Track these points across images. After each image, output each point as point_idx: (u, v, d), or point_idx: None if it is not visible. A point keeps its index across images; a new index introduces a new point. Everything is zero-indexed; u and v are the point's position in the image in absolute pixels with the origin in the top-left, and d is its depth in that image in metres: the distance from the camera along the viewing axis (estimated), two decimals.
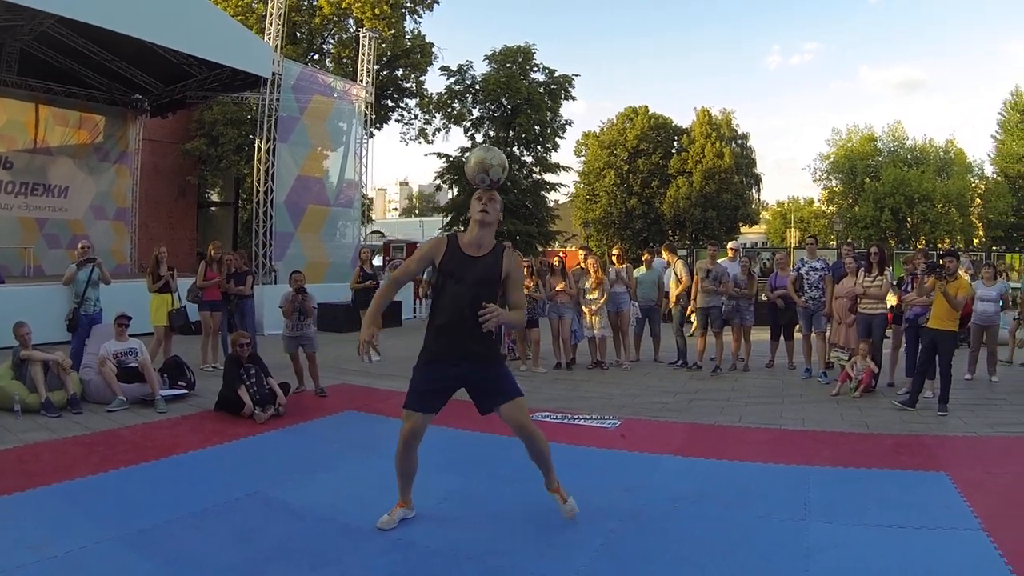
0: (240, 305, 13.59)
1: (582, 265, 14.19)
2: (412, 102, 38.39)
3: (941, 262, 10.06)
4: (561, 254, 15.26)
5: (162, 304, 12.79)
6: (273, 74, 20.69)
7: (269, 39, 21.15)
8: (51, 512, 5.86)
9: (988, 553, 5.08)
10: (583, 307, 13.68)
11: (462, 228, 41.99)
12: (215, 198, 35.38)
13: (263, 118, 21.04)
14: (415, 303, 24.27)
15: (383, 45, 32.15)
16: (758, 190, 60.73)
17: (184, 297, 13.21)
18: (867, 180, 53.17)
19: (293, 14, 30.70)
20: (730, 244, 15.83)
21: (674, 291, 13.95)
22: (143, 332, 11.85)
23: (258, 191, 21.19)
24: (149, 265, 13.19)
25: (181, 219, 30.98)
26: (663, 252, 15.09)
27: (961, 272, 10.44)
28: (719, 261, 13.96)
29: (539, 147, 42.81)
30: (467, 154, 5.03)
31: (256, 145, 21.71)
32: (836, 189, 57.49)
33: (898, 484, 6.71)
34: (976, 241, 53.02)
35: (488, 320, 5.11)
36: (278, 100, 21.03)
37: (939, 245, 46.77)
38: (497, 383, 5.47)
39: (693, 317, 13.83)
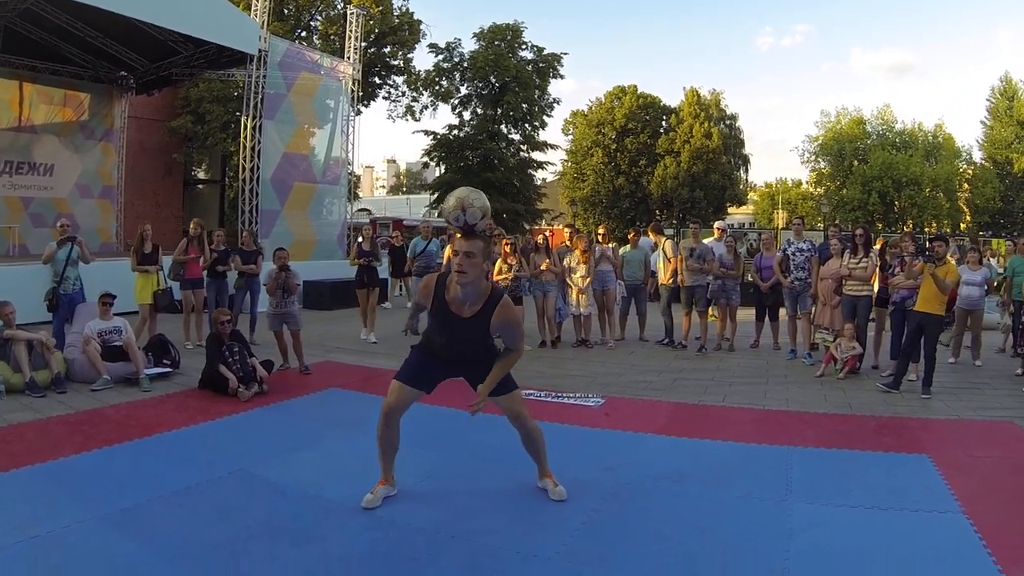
0: (249, 284, 13.72)
1: (567, 243, 14.20)
2: (400, 79, 38.29)
3: (930, 246, 10.10)
4: (547, 232, 15.22)
5: (147, 283, 12.70)
6: (260, 51, 20.56)
7: (256, 15, 21.02)
8: (35, 492, 5.86)
9: (967, 535, 5.13)
10: (568, 285, 13.71)
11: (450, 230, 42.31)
12: (202, 176, 35.28)
13: (249, 95, 20.92)
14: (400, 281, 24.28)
15: (371, 22, 32.02)
16: (746, 171, 61.02)
17: (168, 277, 13.15)
18: (855, 163, 53.52)
19: None
20: (717, 224, 15.87)
21: (664, 271, 13.93)
22: (128, 311, 11.82)
23: (244, 168, 21.09)
24: (134, 243, 13.12)
25: (167, 197, 30.89)
26: (649, 232, 15.09)
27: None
28: (705, 241, 13.99)
29: (527, 125, 42.74)
30: (449, 195, 4.77)
31: (242, 122, 21.56)
32: (824, 171, 57.79)
33: (880, 466, 6.77)
34: (963, 226, 53.40)
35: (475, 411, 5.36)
36: (264, 77, 20.91)
37: (926, 229, 47.09)
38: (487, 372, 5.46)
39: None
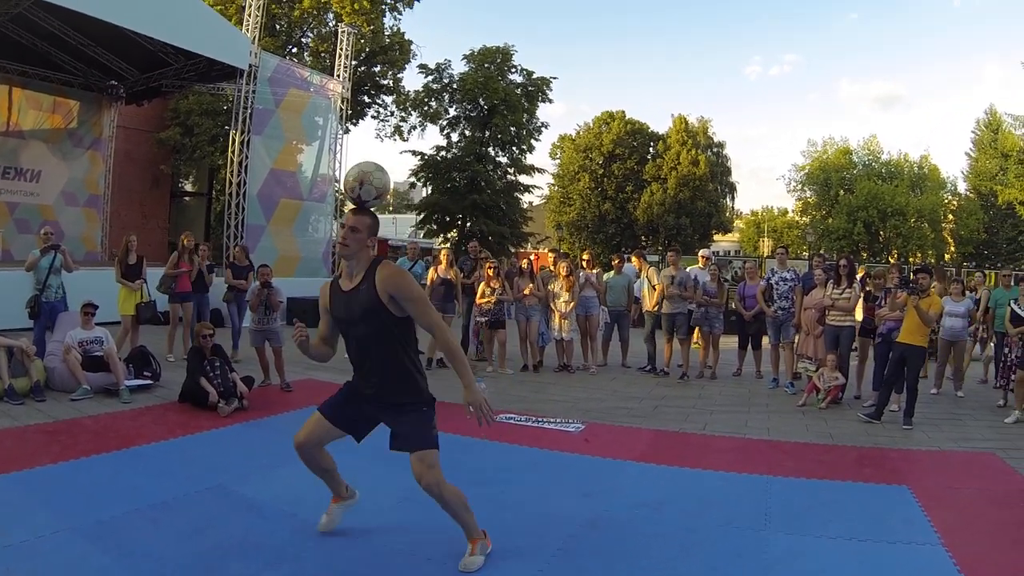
0: (238, 299, 13.74)
1: (551, 268, 14.23)
2: (389, 99, 38.48)
3: (914, 278, 10.16)
4: (532, 256, 15.25)
5: (131, 294, 12.68)
6: (250, 66, 20.61)
7: (247, 30, 21.05)
8: (9, 500, 5.83)
9: (946, 568, 5.14)
10: (551, 309, 13.72)
11: (434, 226, 41.93)
12: (188, 188, 35.23)
13: (238, 109, 20.94)
14: None
15: (362, 41, 32.08)
16: (732, 198, 61.30)
17: (153, 289, 13.12)
18: (841, 192, 53.73)
19: (273, 6, 30.66)
20: (701, 252, 15.90)
21: (649, 298, 13.94)
22: (110, 321, 11.77)
23: (231, 183, 21.08)
24: (119, 254, 13.10)
25: (154, 208, 30.81)
26: (633, 258, 15.13)
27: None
28: (689, 268, 14.04)
29: (514, 148, 42.95)
30: (353, 166, 4.54)
31: (231, 136, 21.58)
32: (810, 200, 57.99)
33: (860, 496, 6.78)
34: (947, 257, 53.63)
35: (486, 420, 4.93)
36: (254, 92, 20.95)
37: (911, 259, 47.25)
38: (410, 429, 4.94)
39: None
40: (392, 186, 5.06)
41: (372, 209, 4.92)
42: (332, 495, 5.51)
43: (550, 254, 15.98)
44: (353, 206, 4.92)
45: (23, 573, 4.57)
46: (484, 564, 5.00)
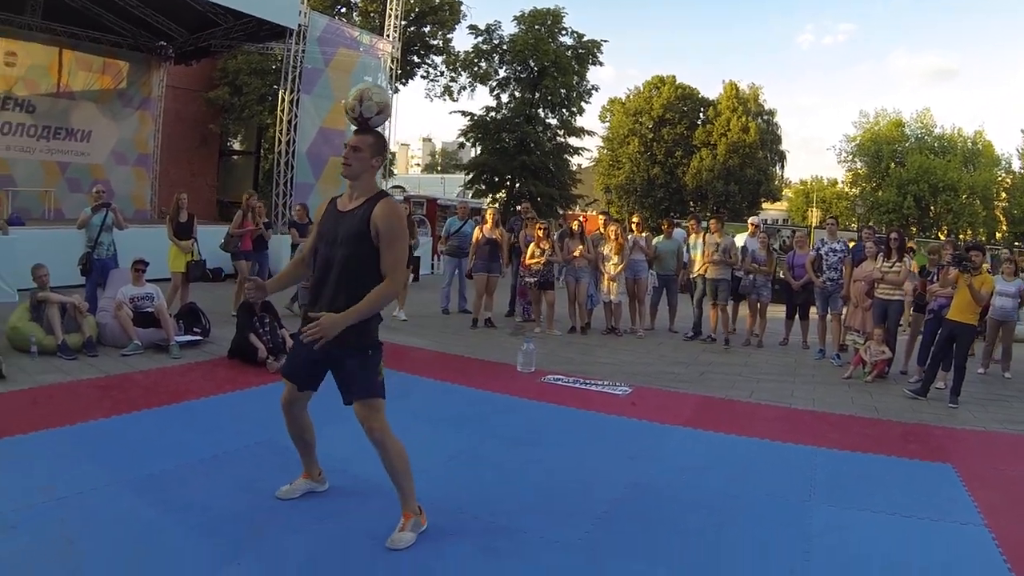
0: None
1: (602, 231, 14.14)
2: (438, 59, 38.32)
3: (967, 254, 9.97)
4: (581, 217, 15.16)
5: (180, 252, 12.78)
6: (299, 25, 20.59)
7: None
8: (62, 453, 5.90)
9: (988, 549, 5.09)
10: (601, 272, 13.65)
11: (482, 186, 41.84)
12: (237, 147, 35.32)
13: (287, 69, 20.96)
14: (433, 259, 24.29)
15: (411, 1, 31.95)
16: (782, 167, 60.50)
17: (204, 248, 13.20)
18: (892, 165, 52.73)
19: None
20: (751, 219, 15.71)
21: (700, 263, 13.83)
22: (161, 278, 11.84)
23: (280, 141, 21.18)
24: (170, 212, 13.19)
25: (202, 167, 30.91)
26: (688, 223, 14.99)
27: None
28: (739, 236, 13.90)
29: (564, 110, 42.73)
30: (353, 88, 4.38)
31: (280, 96, 21.65)
32: (860, 172, 57.01)
33: (904, 472, 6.73)
34: (999, 235, 52.56)
35: (311, 338, 4.39)
36: (303, 52, 20.94)
37: (961, 236, 46.47)
38: (353, 374, 4.67)
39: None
40: (391, 102, 4.89)
41: (376, 128, 4.79)
42: (303, 471, 5.34)
43: (600, 217, 15.82)
44: (356, 127, 4.76)
45: (77, 524, 4.59)
46: (414, 543, 4.68)
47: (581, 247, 13.39)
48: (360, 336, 4.62)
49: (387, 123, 24.47)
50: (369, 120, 4.67)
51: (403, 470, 4.77)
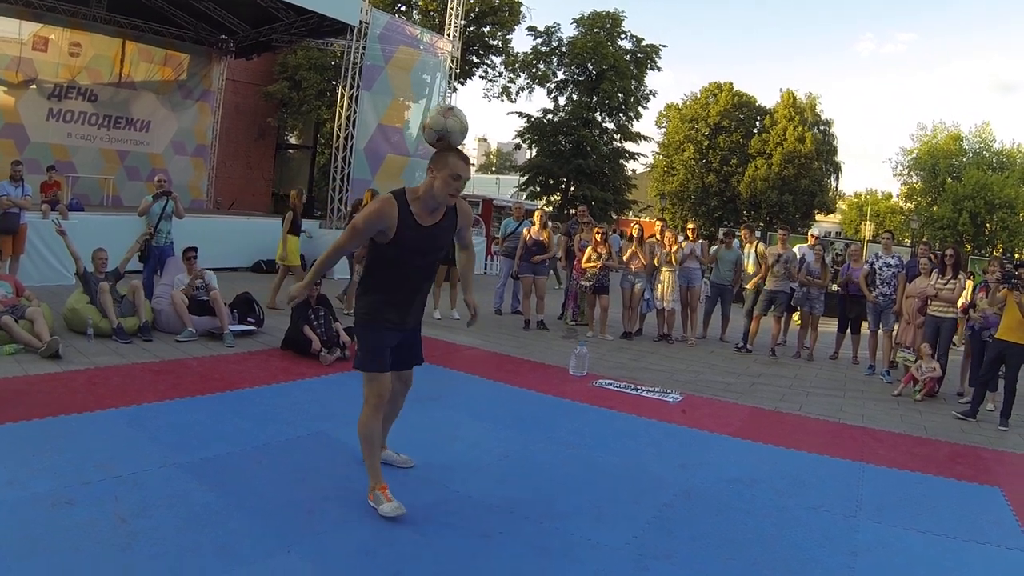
0: None
1: (657, 237, 14.08)
2: (497, 59, 38.32)
3: (1016, 272, 9.78)
4: (642, 223, 15.14)
5: (296, 244, 13.27)
6: (360, 22, 20.62)
7: None
8: (118, 434, 5.97)
9: None
10: (655, 278, 13.58)
11: (537, 188, 41.63)
12: (293, 141, 35.57)
13: (347, 65, 21.03)
14: (487, 259, 24.33)
15: (471, 1, 32.02)
16: (837, 178, 59.84)
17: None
18: (948, 180, 51.89)
19: None
20: (811, 231, 15.60)
21: (754, 273, 13.71)
22: (221, 267, 11.93)
23: (338, 137, 21.25)
24: (290, 207, 13.76)
25: (259, 160, 31.16)
26: (742, 232, 14.90)
27: None
28: (797, 247, 13.77)
29: (621, 115, 42.67)
30: (448, 114, 4.33)
31: (339, 92, 21.72)
32: (916, 186, 56.18)
33: (951, 493, 6.61)
34: None
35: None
36: (364, 48, 20.99)
37: (1016, 255, 45.67)
38: (420, 344, 5.37)
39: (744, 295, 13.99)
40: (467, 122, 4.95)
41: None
42: (381, 483, 5.08)
43: (657, 223, 15.75)
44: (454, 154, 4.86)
45: (132, 503, 4.63)
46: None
47: (640, 252, 13.30)
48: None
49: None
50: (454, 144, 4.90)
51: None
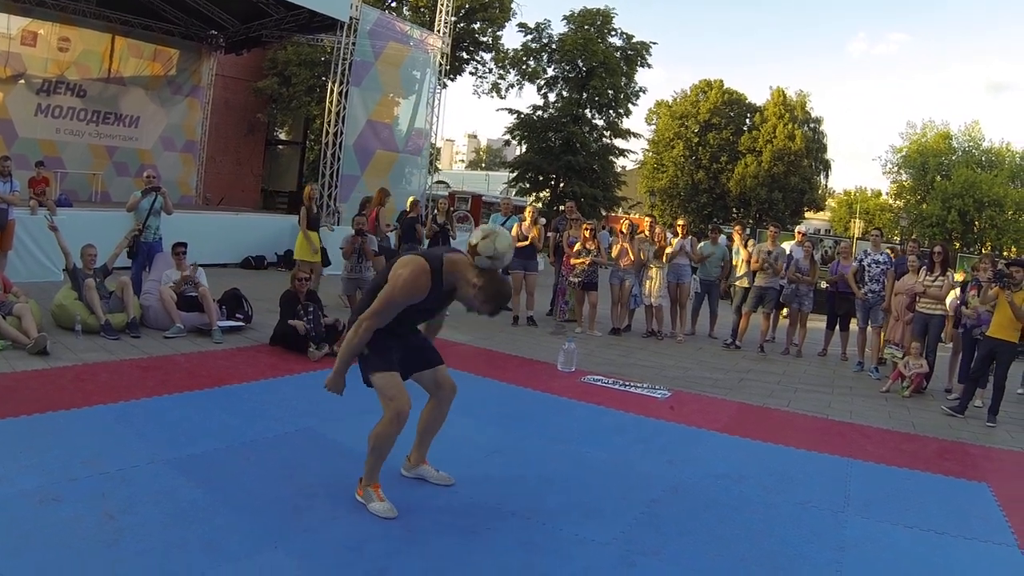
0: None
1: (646, 233, 14.09)
2: (487, 56, 38.19)
3: (1008, 271, 9.82)
4: (633, 220, 15.15)
5: (314, 240, 13.23)
6: (350, 18, 20.59)
7: None
8: (105, 430, 5.97)
9: (1020, 571, 5.07)
10: (644, 274, 13.60)
11: (526, 184, 41.61)
12: (283, 137, 35.47)
13: (337, 61, 21.00)
14: None
15: None
16: (826, 176, 59.88)
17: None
18: (938, 178, 51.96)
19: None
20: (798, 228, 15.61)
21: (741, 270, 13.77)
22: (210, 263, 11.92)
23: (328, 132, 21.22)
24: (305, 203, 13.65)
25: (248, 155, 31.08)
26: (736, 229, 14.90)
27: None
28: (785, 244, 13.81)
29: (611, 111, 42.56)
30: (494, 240, 4.33)
31: (329, 87, 21.71)
32: (905, 184, 56.21)
33: (939, 489, 6.67)
34: None
35: None
36: (354, 44, 20.96)
37: (1005, 253, 45.75)
38: (432, 345, 5.42)
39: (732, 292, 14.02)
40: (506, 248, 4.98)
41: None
42: (375, 481, 5.07)
43: (646, 219, 15.77)
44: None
45: (118, 500, 4.63)
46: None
47: (629, 248, 13.33)
48: None
49: (435, 119, 24.67)
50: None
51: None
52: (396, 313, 4.80)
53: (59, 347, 8.43)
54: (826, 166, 58.74)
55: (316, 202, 13.94)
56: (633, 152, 48.64)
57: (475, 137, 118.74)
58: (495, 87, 39.17)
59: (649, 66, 43.82)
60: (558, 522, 5.07)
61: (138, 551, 4.04)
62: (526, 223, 13.62)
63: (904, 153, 55.74)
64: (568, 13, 41.56)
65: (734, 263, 14.08)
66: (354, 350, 4.86)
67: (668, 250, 13.56)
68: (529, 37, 40.98)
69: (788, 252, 13.53)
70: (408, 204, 15.12)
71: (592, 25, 40.92)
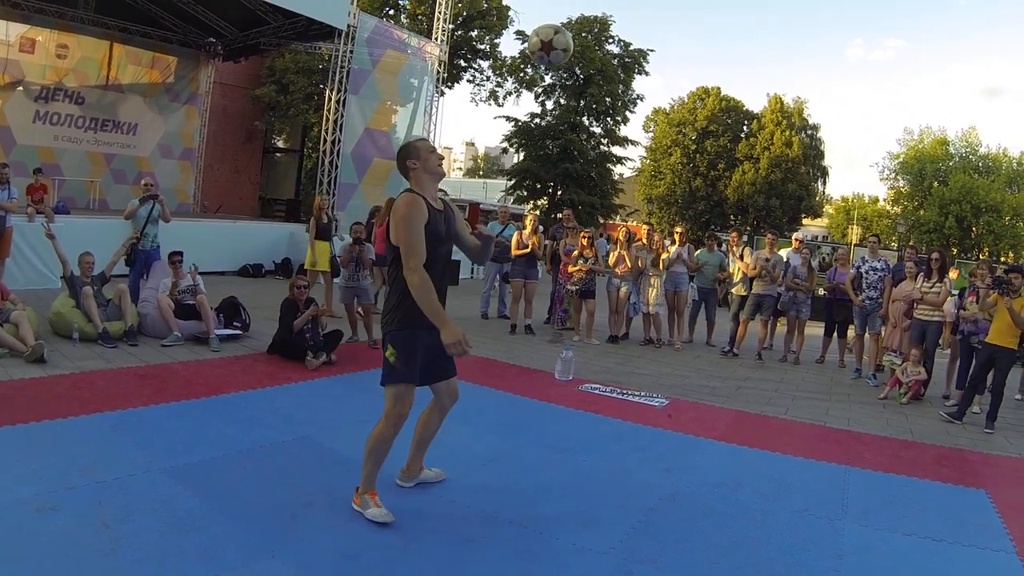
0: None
1: (643, 241, 14.10)
2: (485, 64, 38.27)
3: (1007, 277, 9.82)
4: (631, 228, 15.14)
5: (325, 250, 13.38)
6: (348, 26, 20.61)
7: None
8: (102, 438, 5.97)
9: None
10: (642, 282, 13.60)
11: (524, 192, 41.68)
12: (281, 144, 35.47)
13: (335, 69, 21.03)
14: (473, 264, 24.33)
15: (459, 5, 32.03)
16: (823, 183, 59.95)
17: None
18: (935, 184, 52.04)
19: None
20: (796, 235, 15.64)
21: (738, 278, 13.78)
22: (207, 271, 11.92)
23: (325, 140, 21.23)
24: (314, 213, 13.81)
25: (246, 163, 31.05)
26: (732, 235, 14.92)
27: None
28: (783, 251, 13.82)
29: (609, 119, 42.64)
30: (555, 33, 4.18)
31: (326, 95, 21.71)
32: (903, 190, 56.31)
33: (937, 496, 6.66)
34: None
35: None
36: (351, 52, 20.98)
37: (1002, 258, 45.80)
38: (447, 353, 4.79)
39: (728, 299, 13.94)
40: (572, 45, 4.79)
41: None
42: (374, 488, 5.05)
43: (643, 227, 15.79)
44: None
45: (115, 508, 4.64)
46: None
47: (627, 255, 13.33)
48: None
49: (433, 127, 24.66)
50: (557, 65, 4.81)
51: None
52: (424, 244, 4.66)
53: (56, 355, 8.42)
54: (823, 172, 58.85)
55: (326, 212, 14.01)
56: (631, 159, 48.93)
57: (473, 145, 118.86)
58: (493, 95, 39.31)
59: (647, 73, 43.96)
60: (555, 531, 5.06)
61: (135, 560, 4.05)
62: (526, 231, 13.61)
63: (901, 159, 55.93)
64: (565, 20, 41.61)
65: (731, 271, 14.06)
66: (427, 297, 4.64)
67: (664, 256, 13.55)
68: (527, 45, 41.03)
69: (786, 259, 13.53)
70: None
71: (589, 33, 41.10)
